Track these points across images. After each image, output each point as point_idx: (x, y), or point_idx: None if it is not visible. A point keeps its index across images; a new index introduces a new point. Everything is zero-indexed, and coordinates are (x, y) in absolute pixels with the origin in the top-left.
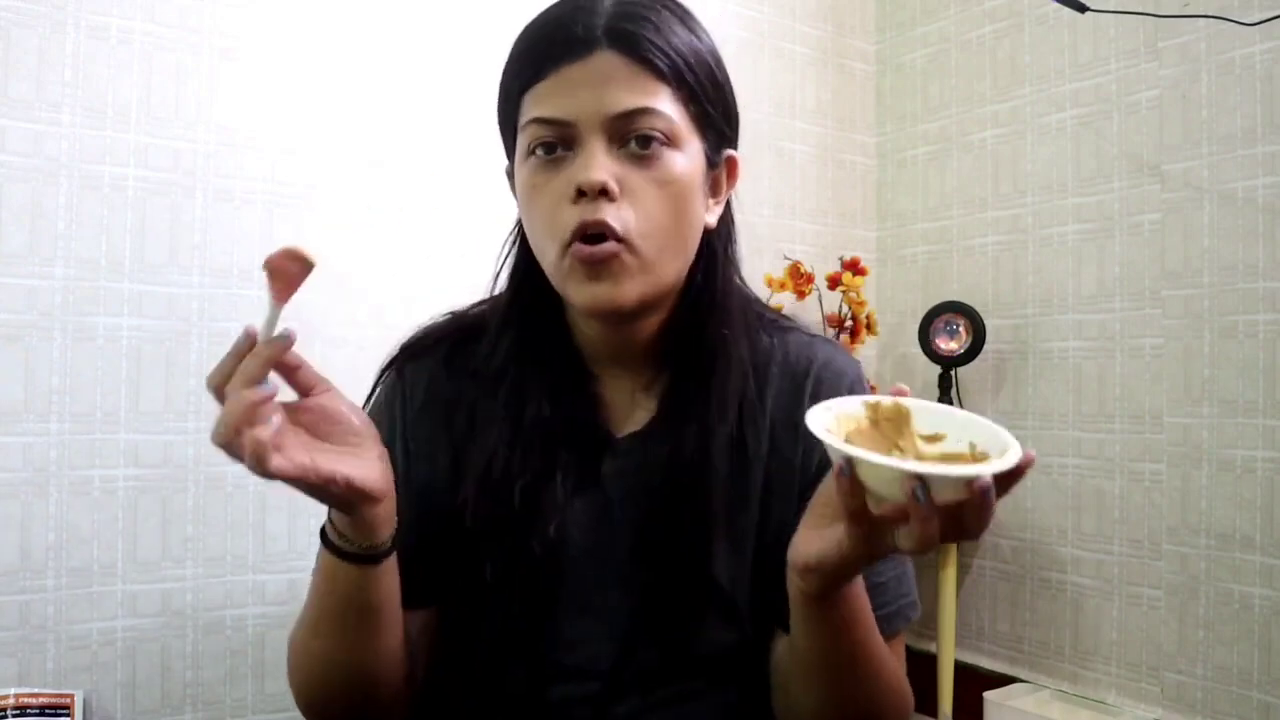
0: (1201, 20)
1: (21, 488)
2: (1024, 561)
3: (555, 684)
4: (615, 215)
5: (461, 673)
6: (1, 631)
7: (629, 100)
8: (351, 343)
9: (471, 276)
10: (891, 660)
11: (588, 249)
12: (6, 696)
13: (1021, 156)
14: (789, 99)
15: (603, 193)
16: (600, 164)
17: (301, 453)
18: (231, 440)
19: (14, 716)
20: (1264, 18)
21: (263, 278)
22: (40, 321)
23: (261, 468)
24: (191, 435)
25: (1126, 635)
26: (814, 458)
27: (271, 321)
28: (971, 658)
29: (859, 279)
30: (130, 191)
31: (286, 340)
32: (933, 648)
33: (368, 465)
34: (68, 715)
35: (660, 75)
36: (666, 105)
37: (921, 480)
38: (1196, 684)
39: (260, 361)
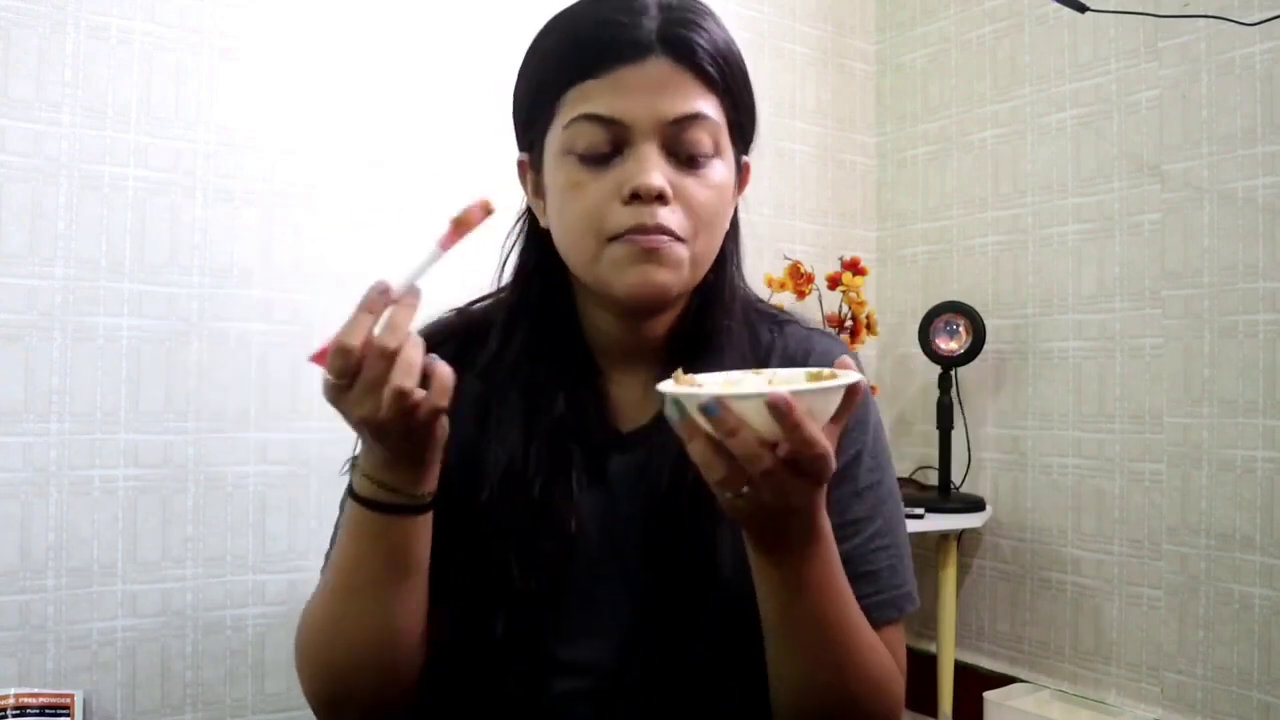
0: (1201, 20)
1: (21, 488)
2: (1024, 561)
3: (559, 680)
4: (669, 218)
5: (465, 668)
6: (1, 631)
7: (684, 105)
8: None
9: (471, 276)
10: (875, 647)
11: (646, 237)
12: (6, 696)
13: (1021, 156)
14: (789, 99)
15: (658, 197)
16: (657, 167)
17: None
18: (410, 388)
19: (14, 716)
20: (1264, 18)
21: (263, 278)
22: (40, 321)
23: (439, 401)
24: (191, 435)
25: (1126, 635)
26: None
27: (426, 267)
28: (971, 658)
29: (859, 279)
30: (130, 191)
31: (419, 292)
32: (933, 648)
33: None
34: (68, 715)
35: (710, 82)
36: (714, 112)
37: (718, 403)
38: (1196, 684)
39: (409, 311)
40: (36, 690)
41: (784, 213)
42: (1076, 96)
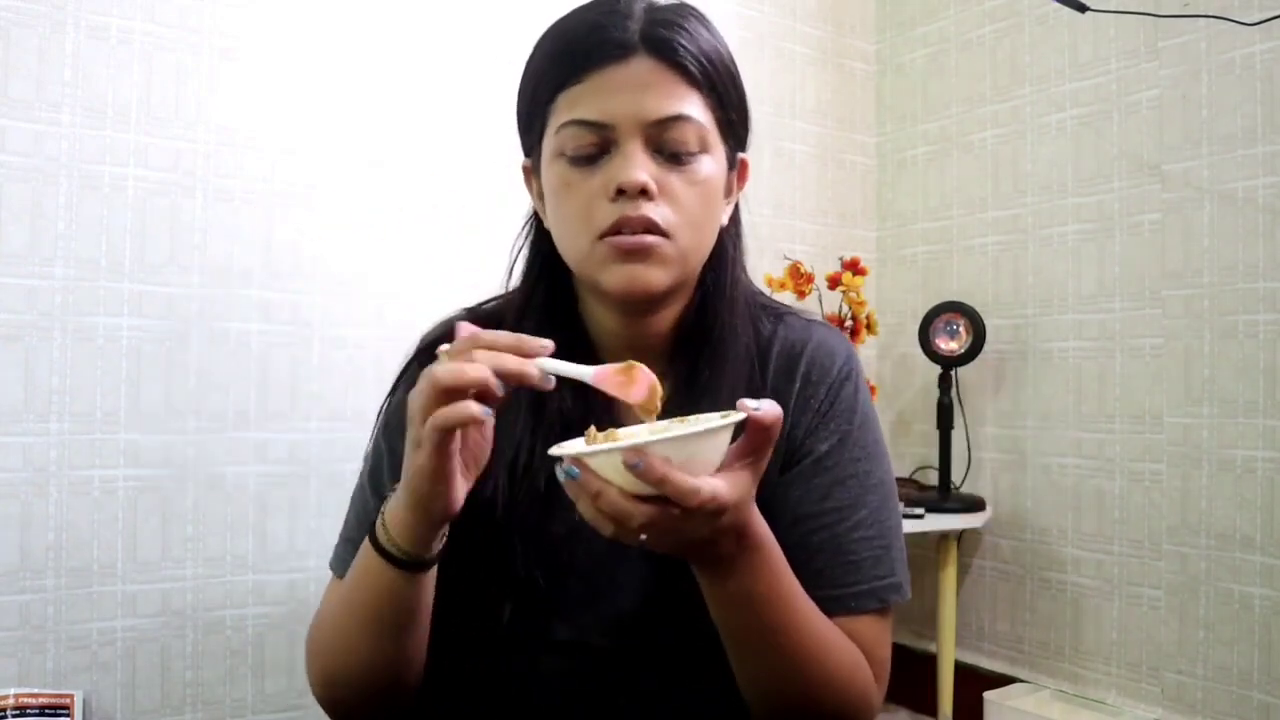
0: (1201, 20)
1: (21, 488)
2: (1024, 561)
3: (567, 662)
4: (654, 211)
5: (472, 649)
6: (1, 631)
7: (667, 107)
8: (351, 343)
9: (471, 275)
10: (833, 642)
11: (629, 239)
12: (6, 696)
13: (1021, 156)
14: (789, 99)
15: (642, 192)
16: (640, 165)
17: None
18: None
19: (14, 716)
20: (1264, 18)
21: (263, 278)
22: (40, 321)
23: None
24: (191, 435)
25: (1126, 635)
26: (799, 431)
27: (565, 374)
28: (971, 658)
29: (859, 279)
30: (130, 191)
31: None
32: (933, 648)
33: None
34: (68, 715)
35: (693, 81)
36: (698, 111)
37: (578, 465)
38: (1196, 684)
39: (516, 367)
40: (36, 690)
41: (784, 213)
42: (1076, 96)
